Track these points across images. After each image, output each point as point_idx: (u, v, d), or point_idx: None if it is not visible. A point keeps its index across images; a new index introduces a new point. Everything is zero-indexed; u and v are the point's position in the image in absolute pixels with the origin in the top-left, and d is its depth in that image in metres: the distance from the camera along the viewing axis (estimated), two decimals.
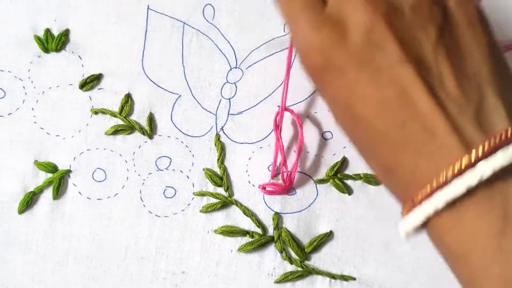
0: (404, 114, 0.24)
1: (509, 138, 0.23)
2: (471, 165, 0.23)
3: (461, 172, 0.23)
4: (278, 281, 0.41)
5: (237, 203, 0.41)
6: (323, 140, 0.42)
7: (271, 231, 0.41)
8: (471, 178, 0.23)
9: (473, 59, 0.25)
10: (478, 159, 0.23)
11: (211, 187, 0.41)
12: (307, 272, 0.41)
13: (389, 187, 0.27)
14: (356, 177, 0.41)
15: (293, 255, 0.41)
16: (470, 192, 0.23)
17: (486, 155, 0.23)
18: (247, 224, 0.41)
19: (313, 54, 0.26)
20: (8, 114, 0.41)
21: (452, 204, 0.24)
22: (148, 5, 0.42)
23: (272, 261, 0.41)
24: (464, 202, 0.24)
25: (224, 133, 0.41)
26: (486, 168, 0.23)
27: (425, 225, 0.26)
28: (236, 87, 0.42)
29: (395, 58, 0.24)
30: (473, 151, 0.23)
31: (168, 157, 0.41)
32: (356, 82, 0.25)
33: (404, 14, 0.25)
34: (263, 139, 0.42)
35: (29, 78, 0.41)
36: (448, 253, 0.26)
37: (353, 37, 0.25)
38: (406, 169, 0.25)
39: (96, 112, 0.41)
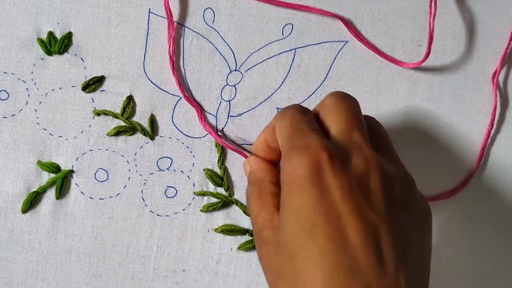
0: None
1: None
2: None
3: None
4: None
5: (237, 202, 0.42)
6: None
7: None
8: None
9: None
10: None
11: (211, 187, 0.42)
12: None
13: None
14: None
15: None
16: None
17: None
18: (246, 223, 0.42)
19: None
20: (12, 116, 0.41)
21: None
22: (149, 9, 0.42)
23: None
24: None
25: (224, 134, 0.42)
26: None
27: None
28: (235, 89, 0.43)
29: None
30: None
31: (169, 157, 0.42)
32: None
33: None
34: None
35: (32, 80, 0.42)
36: None
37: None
38: None
39: (98, 114, 0.42)
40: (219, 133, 0.42)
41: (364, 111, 0.43)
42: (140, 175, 0.42)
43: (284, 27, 0.43)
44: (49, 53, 0.42)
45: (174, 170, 0.42)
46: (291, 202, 0.29)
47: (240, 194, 0.42)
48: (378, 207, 0.29)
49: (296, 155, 0.29)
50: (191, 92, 0.42)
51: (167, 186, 0.42)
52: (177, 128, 0.42)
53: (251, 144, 0.42)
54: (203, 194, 0.42)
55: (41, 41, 0.42)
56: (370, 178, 0.29)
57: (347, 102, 0.33)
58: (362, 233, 0.28)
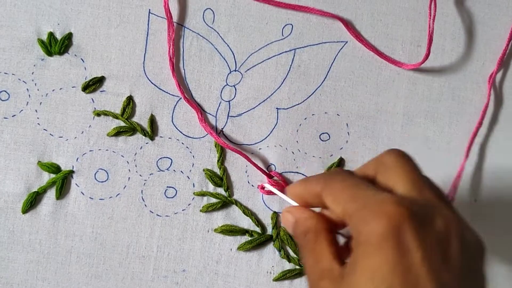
0: None
1: None
2: None
3: None
4: (277, 279, 0.42)
5: (236, 202, 0.42)
6: (320, 141, 0.43)
7: (269, 230, 0.42)
8: None
9: None
10: None
11: (211, 187, 0.42)
12: None
13: None
14: None
15: (291, 253, 0.42)
16: None
17: None
18: (246, 223, 0.42)
19: None
20: (12, 116, 0.42)
21: None
22: (149, 9, 0.42)
23: (270, 259, 0.42)
24: None
25: (223, 134, 0.42)
26: None
27: None
28: (235, 89, 0.43)
29: None
30: None
31: (169, 158, 0.42)
32: None
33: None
34: (261, 140, 0.43)
35: (32, 80, 0.42)
36: None
37: None
38: None
39: (98, 114, 0.42)
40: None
41: (364, 111, 0.43)
42: (140, 175, 0.42)
43: (284, 27, 0.43)
44: (50, 53, 0.42)
45: (174, 170, 0.42)
46: (366, 262, 0.27)
47: (239, 194, 0.42)
48: (455, 272, 0.27)
49: (371, 213, 0.27)
50: (191, 92, 0.43)
51: (167, 187, 0.42)
52: (176, 128, 0.42)
53: (251, 145, 0.42)
54: (202, 194, 0.42)
55: (41, 41, 0.42)
56: (451, 241, 0.28)
57: (410, 162, 0.31)
58: None
